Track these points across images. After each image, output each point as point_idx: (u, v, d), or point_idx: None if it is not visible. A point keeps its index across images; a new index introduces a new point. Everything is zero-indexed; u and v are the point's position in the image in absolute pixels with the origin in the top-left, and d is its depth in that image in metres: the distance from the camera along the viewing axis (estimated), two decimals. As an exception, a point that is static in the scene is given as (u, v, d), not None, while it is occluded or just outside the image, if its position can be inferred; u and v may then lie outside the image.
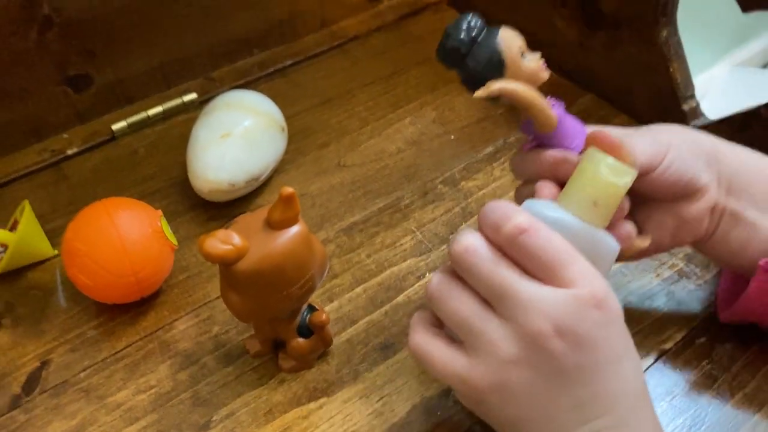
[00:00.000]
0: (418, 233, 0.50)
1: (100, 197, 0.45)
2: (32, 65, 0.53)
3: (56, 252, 0.49)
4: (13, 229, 0.48)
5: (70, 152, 0.56)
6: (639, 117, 0.58)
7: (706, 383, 0.42)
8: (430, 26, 0.69)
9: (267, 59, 0.64)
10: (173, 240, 0.45)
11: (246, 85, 0.61)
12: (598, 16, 0.58)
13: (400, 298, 0.46)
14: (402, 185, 0.53)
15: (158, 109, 0.58)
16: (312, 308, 0.42)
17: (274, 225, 0.36)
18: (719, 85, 0.68)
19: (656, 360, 0.43)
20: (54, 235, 0.49)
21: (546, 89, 0.61)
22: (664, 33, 0.54)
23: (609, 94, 0.60)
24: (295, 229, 0.36)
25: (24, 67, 0.53)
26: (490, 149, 0.56)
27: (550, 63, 0.65)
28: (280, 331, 0.41)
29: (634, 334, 0.43)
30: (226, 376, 0.42)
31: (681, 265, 0.48)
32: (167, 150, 0.56)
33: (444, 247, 0.49)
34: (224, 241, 0.35)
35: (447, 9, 0.71)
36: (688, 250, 0.48)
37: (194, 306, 0.46)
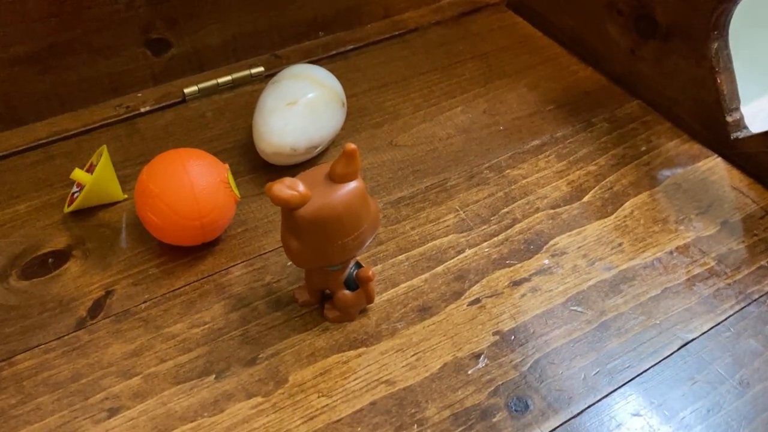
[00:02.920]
0: (461, 212, 0.53)
1: (169, 152, 0.49)
2: (119, 26, 0.57)
3: (126, 196, 0.53)
4: (89, 171, 0.52)
5: (143, 110, 0.60)
6: (684, 125, 0.60)
7: (727, 373, 0.43)
8: (488, 25, 0.72)
9: (330, 42, 0.68)
10: (237, 192, 0.48)
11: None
12: (652, 26, 0.61)
13: (440, 268, 0.49)
14: (449, 167, 0.56)
15: (227, 78, 0.63)
16: (359, 265, 0.45)
17: (336, 178, 0.39)
18: (764, 117, 0.70)
19: (680, 348, 0.45)
20: (125, 182, 0.53)
21: (595, 93, 0.63)
22: (715, 46, 0.57)
23: (656, 102, 0.62)
24: (354, 184, 0.39)
25: (112, 28, 0.57)
26: (536, 142, 0.59)
27: (600, 68, 0.68)
28: (329, 282, 0.44)
29: (661, 323, 0.46)
30: (275, 320, 0.45)
31: (712, 264, 0.50)
32: (233, 116, 0.60)
33: (485, 227, 0.52)
34: (290, 186, 0.38)
35: (505, 10, 0.74)
36: (722, 249, 0.50)
37: (249, 256, 0.49)
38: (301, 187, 0.38)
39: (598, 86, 0.65)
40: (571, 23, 0.69)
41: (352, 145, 0.38)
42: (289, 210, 0.39)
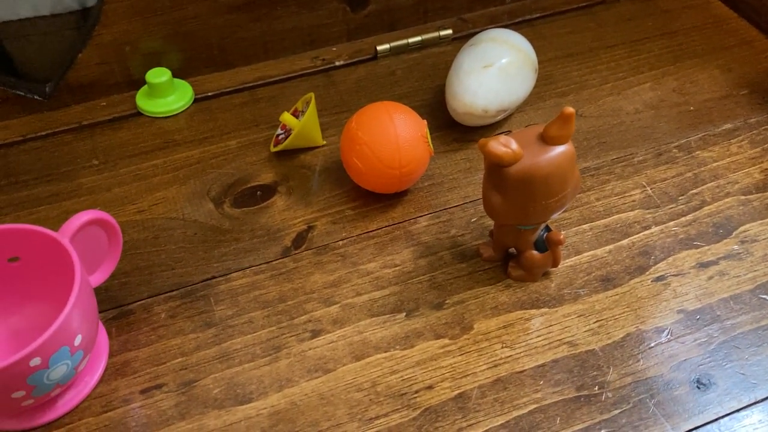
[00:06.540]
0: (648, 188, 0.53)
1: (362, 105, 0.52)
2: (327, -19, 0.61)
3: (324, 142, 0.56)
4: (295, 115, 0.56)
5: (338, 63, 0.64)
6: None
7: None
8: (680, 2, 0.70)
9: (517, 9, 0.69)
10: (431, 147, 0.51)
11: (495, 31, 0.66)
12: None
13: (625, 241, 0.49)
14: (636, 143, 0.56)
15: (417, 38, 0.65)
16: (548, 228, 0.46)
17: (549, 140, 0.40)
18: None
19: None
20: (322, 129, 0.57)
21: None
22: None
23: None
24: (564, 147, 0.41)
25: (320, -18, 0.61)
26: (729, 125, 0.57)
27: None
28: (519, 241, 0.46)
29: None
30: (460, 270, 0.48)
31: None
32: (421, 76, 0.62)
33: (672, 206, 0.51)
34: (504, 144, 0.40)
35: (699, -12, 0.71)
36: None
37: (436, 209, 0.52)
38: (515, 145, 0.40)
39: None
40: (774, 5, 0.65)
41: (570, 109, 0.39)
42: (500, 166, 0.40)
